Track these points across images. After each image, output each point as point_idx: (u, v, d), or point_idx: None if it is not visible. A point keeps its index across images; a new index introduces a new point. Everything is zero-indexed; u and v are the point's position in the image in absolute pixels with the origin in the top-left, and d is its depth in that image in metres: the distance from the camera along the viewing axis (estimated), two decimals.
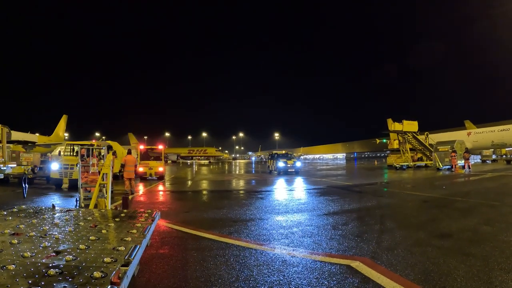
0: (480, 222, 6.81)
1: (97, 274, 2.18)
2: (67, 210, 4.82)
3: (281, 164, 25.77)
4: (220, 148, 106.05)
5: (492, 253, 4.66)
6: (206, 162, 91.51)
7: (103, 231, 3.46)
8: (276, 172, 26.73)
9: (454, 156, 26.82)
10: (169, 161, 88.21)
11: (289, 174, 25.11)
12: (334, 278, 3.79)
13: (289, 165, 25.62)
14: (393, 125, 33.21)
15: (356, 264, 4.26)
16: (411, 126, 33.16)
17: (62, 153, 18.28)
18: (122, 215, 4.40)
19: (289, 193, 13.37)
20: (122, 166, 14.96)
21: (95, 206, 6.84)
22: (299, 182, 18.38)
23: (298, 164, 27.23)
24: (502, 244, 5.14)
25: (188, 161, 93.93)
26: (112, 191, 8.81)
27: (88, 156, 9.43)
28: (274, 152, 31.62)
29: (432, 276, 3.81)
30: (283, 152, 32.23)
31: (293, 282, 3.69)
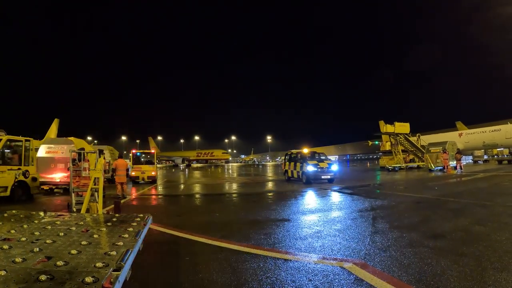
0: (472, 222, 6.87)
1: (88, 279, 2.15)
2: (58, 215, 4.75)
3: (311, 168, 18.20)
4: (227, 150, 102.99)
5: (485, 252, 4.70)
6: (200, 165, 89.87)
7: (95, 236, 3.42)
8: (300, 178, 19.32)
9: (446, 157, 27.07)
10: (182, 165, 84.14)
11: (321, 183, 17.97)
12: (327, 280, 3.79)
13: (321, 169, 18.23)
14: (385, 127, 33.40)
15: (349, 266, 4.27)
16: (403, 127, 33.39)
17: None
18: (114, 219, 4.35)
19: (279, 196, 13.36)
20: (114, 170, 14.78)
21: (87, 211, 6.77)
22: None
23: (335, 167, 19.27)
24: (494, 243, 5.19)
25: (199, 165, 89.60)
26: (104, 196, 8.73)
27: (80, 160, 9.35)
28: (296, 151, 22.21)
29: (425, 277, 3.82)
30: (307, 150, 21.72)
31: (286, 285, 3.69)
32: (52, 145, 15.85)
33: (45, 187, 14.97)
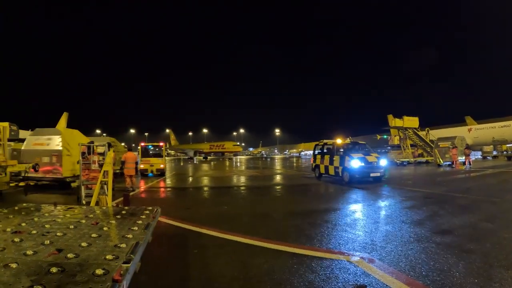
0: (480, 219, 6.82)
1: (99, 271, 2.19)
2: (68, 208, 4.82)
3: (356, 163, 14.14)
4: (238, 143, 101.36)
5: (492, 249, 4.68)
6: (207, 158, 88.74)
7: (105, 229, 3.47)
8: (340, 176, 15.10)
9: (455, 152, 26.79)
10: (198, 158, 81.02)
11: (366, 182, 14.26)
12: (334, 274, 3.81)
13: (369, 165, 14.30)
14: (394, 121, 33.17)
15: (356, 260, 4.28)
16: (412, 122, 33.13)
17: None
18: (123, 212, 4.41)
19: (287, 190, 13.37)
20: (123, 163, 14.79)
21: (97, 204, 6.86)
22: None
23: (384, 162, 15.27)
24: (502, 240, 5.16)
25: (209, 157, 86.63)
26: (113, 189, 8.83)
27: (89, 153, 9.45)
28: (331, 142, 17.45)
29: (432, 272, 3.82)
30: (347, 141, 17.98)
31: (293, 278, 3.72)
32: (38, 137, 14.36)
33: (22, 183, 12.51)
